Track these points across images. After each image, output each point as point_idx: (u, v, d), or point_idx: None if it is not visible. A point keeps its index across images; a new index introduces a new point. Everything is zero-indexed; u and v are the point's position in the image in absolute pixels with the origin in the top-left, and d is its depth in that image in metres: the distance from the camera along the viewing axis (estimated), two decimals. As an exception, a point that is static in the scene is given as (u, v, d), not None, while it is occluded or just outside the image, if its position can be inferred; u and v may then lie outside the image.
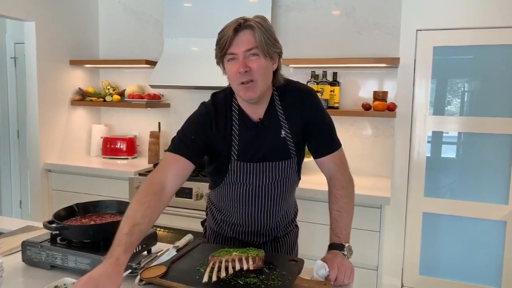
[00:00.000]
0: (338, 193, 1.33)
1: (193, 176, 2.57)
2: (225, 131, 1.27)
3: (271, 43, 1.17)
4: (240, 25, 1.14)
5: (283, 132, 1.27)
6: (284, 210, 1.41)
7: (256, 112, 1.27)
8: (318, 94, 2.62)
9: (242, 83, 1.16)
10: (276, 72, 1.25)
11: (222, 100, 1.30)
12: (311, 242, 2.16)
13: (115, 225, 1.26)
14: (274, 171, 1.29)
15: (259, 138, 1.27)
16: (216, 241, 1.46)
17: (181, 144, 1.25)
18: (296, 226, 1.56)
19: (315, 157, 1.36)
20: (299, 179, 1.42)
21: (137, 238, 1.07)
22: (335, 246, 1.24)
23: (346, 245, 1.25)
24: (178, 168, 1.22)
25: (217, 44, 1.19)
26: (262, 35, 1.14)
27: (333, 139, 1.34)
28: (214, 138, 1.27)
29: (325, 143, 1.32)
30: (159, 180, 1.18)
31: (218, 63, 1.23)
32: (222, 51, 1.17)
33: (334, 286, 1.15)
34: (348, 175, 1.37)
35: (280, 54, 1.24)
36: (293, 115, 1.28)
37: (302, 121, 1.29)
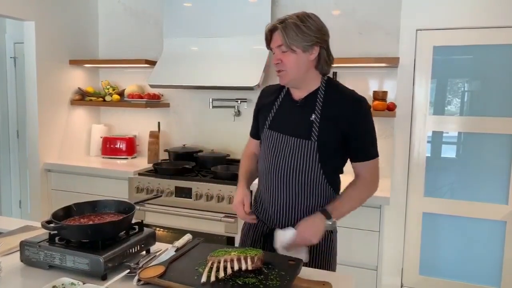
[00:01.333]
0: (356, 184, 1.44)
1: (193, 176, 2.57)
2: (270, 104, 1.51)
3: (299, 38, 1.33)
4: (273, 26, 1.39)
5: (313, 116, 1.38)
6: (306, 203, 1.41)
7: (298, 94, 1.45)
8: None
9: (278, 71, 1.40)
10: (320, 60, 1.39)
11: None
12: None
13: (113, 225, 1.26)
14: (293, 147, 1.40)
15: (292, 114, 1.44)
16: (250, 230, 1.55)
17: (251, 127, 1.65)
18: (331, 231, 1.49)
19: (351, 161, 1.46)
20: (327, 181, 1.42)
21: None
22: (321, 210, 1.36)
23: (332, 217, 1.35)
24: (254, 145, 1.64)
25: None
26: (286, 33, 1.33)
27: (369, 149, 1.43)
28: (262, 109, 1.54)
29: (361, 150, 1.42)
30: (249, 152, 1.66)
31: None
32: (268, 47, 1.44)
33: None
34: (375, 183, 1.47)
35: (319, 43, 1.37)
36: (333, 111, 1.38)
37: (341, 122, 1.37)
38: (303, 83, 1.42)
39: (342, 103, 1.39)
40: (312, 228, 1.32)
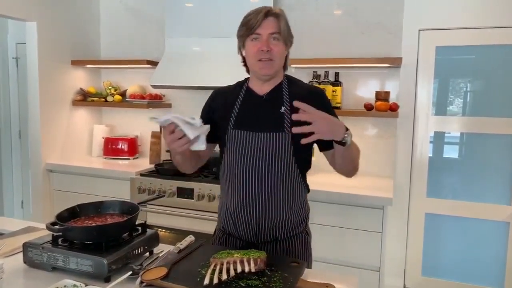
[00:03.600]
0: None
1: (195, 177, 2.57)
2: (228, 103, 1.44)
3: (289, 32, 1.38)
4: (269, 11, 1.34)
5: (283, 108, 1.37)
6: (281, 204, 1.36)
7: (262, 89, 1.42)
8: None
9: (260, 60, 1.34)
10: (286, 58, 1.43)
11: (237, 83, 1.52)
12: (312, 242, 2.15)
13: (118, 226, 1.26)
14: (266, 142, 1.35)
15: (258, 110, 1.40)
16: (220, 241, 1.48)
17: None
18: (307, 233, 1.48)
19: (320, 150, 1.43)
20: (303, 182, 1.42)
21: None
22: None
23: (349, 133, 1.22)
24: None
25: (244, 25, 1.38)
26: (284, 24, 1.35)
27: None
28: (219, 111, 1.45)
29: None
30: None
31: (240, 42, 1.43)
32: (250, 31, 1.35)
33: None
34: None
35: (291, 43, 1.42)
36: (300, 101, 1.30)
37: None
38: (275, 76, 1.41)
39: (306, 95, 1.36)
40: (330, 121, 1.19)
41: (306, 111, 1.16)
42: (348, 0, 2.73)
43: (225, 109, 1.43)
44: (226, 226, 1.46)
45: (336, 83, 2.67)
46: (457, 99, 2.62)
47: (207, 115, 1.46)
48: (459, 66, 2.59)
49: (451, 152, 2.65)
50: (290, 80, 1.46)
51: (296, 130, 1.15)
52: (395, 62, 2.50)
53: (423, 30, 2.55)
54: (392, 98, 2.63)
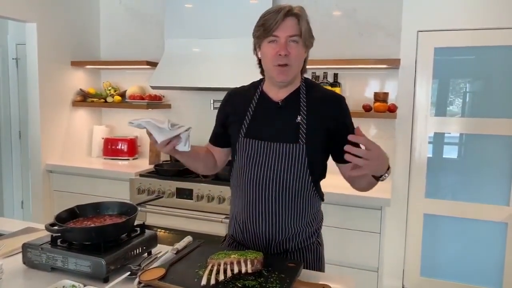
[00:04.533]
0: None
1: (193, 177, 2.58)
2: (241, 108, 1.36)
3: (310, 34, 1.28)
4: (289, 11, 1.23)
5: (299, 118, 1.28)
6: (292, 218, 1.30)
7: (278, 95, 1.33)
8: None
9: (279, 65, 1.24)
10: (305, 61, 1.32)
11: (252, 84, 1.42)
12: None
13: (117, 227, 1.27)
14: (278, 153, 1.27)
15: (273, 118, 1.31)
16: (231, 246, 1.43)
17: (212, 133, 1.51)
18: (319, 243, 1.40)
19: (334, 160, 1.35)
20: (317, 193, 1.34)
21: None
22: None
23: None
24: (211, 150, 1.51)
25: (261, 25, 1.26)
26: (306, 25, 1.25)
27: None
28: (232, 116, 1.39)
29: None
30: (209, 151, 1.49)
31: (256, 43, 1.32)
32: (268, 33, 1.24)
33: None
34: None
35: (312, 45, 1.31)
36: (317, 112, 1.29)
37: (328, 121, 1.29)
38: (292, 82, 1.32)
39: (325, 102, 1.31)
40: (383, 156, 1.10)
41: (366, 145, 1.06)
42: (347, 1, 2.74)
43: (238, 114, 1.36)
44: (235, 234, 1.41)
45: (335, 84, 2.67)
46: (456, 100, 2.63)
47: (220, 121, 1.43)
48: (457, 67, 2.60)
49: (449, 153, 2.66)
50: (309, 84, 1.35)
51: (348, 158, 1.05)
52: (393, 63, 2.51)
53: (422, 31, 2.56)
54: (391, 99, 2.63)
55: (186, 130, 1.21)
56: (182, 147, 1.24)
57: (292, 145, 1.27)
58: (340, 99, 1.34)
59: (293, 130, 1.28)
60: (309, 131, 1.27)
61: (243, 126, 1.33)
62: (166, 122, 1.19)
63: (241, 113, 1.35)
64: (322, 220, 1.45)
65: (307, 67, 1.38)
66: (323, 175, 1.39)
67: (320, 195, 1.37)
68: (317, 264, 1.38)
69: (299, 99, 1.31)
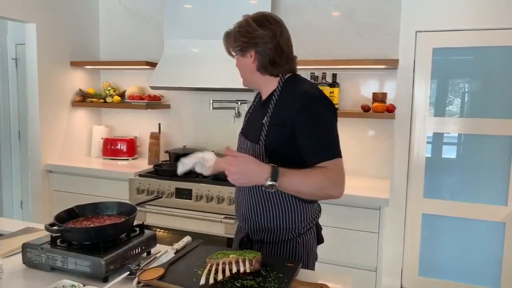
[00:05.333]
0: (318, 168, 1.23)
1: (193, 178, 2.58)
2: (250, 109, 1.54)
3: (232, 43, 1.37)
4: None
5: (265, 119, 1.34)
6: (267, 211, 1.34)
7: (263, 97, 1.44)
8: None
9: None
10: (259, 62, 1.35)
11: None
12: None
13: (116, 227, 1.28)
14: (249, 152, 1.36)
15: (255, 117, 1.44)
16: (237, 233, 1.56)
17: None
18: (296, 241, 1.37)
19: (309, 165, 1.26)
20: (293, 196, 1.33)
21: None
22: (274, 169, 1.17)
23: (278, 182, 1.16)
24: None
25: None
26: (227, 41, 1.40)
27: (324, 149, 1.24)
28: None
29: (315, 151, 1.24)
30: None
31: None
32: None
33: None
34: (339, 182, 1.22)
35: (252, 47, 1.34)
36: (283, 109, 1.31)
37: (289, 123, 1.27)
38: (260, 86, 1.41)
39: (292, 102, 1.28)
40: (244, 166, 1.17)
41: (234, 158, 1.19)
42: (345, 2, 2.75)
43: (248, 112, 1.55)
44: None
45: (334, 84, 2.68)
46: (454, 100, 2.63)
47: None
48: (455, 68, 2.60)
49: (448, 153, 2.67)
50: (288, 84, 1.36)
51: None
52: (392, 64, 2.51)
53: (420, 31, 2.56)
54: (390, 99, 2.64)
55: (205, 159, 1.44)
56: (202, 170, 1.47)
57: (255, 146, 1.34)
58: (305, 96, 1.28)
59: (258, 130, 1.34)
60: (269, 132, 1.31)
61: (244, 121, 1.52)
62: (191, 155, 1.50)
63: (248, 111, 1.55)
64: (313, 220, 1.42)
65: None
66: None
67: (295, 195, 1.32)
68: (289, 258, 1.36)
69: (271, 100, 1.36)
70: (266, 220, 1.36)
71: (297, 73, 1.42)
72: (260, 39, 1.31)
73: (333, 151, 1.24)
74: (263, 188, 1.27)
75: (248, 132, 1.42)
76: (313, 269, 1.41)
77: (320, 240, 1.47)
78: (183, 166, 1.48)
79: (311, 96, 1.28)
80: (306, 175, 1.21)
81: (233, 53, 1.40)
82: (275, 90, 1.37)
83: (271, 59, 1.33)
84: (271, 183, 1.15)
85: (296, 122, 1.25)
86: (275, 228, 1.36)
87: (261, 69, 1.36)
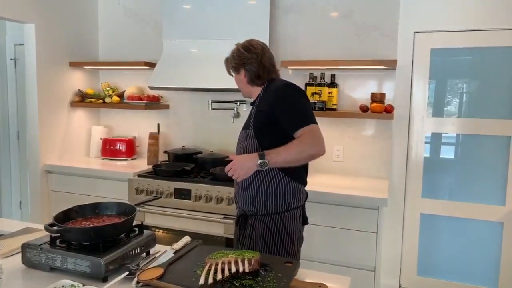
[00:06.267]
0: (295, 139, 1.57)
1: (192, 178, 2.59)
2: None
3: (230, 66, 1.82)
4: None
5: (253, 110, 1.75)
6: (258, 187, 1.67)
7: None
8: (316, 96, 2.65)
9: None
10: (249, 77, 1.76)
11: None
12: (309, 243, 2.17)
13: (115, 227, 1.28)
14: (243, 138, 1.74)
15: (250, 113, 1.79)
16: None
17: None
18: (284, 215, 1.67)
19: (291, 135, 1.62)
20: (283, 175, 1.67)
21: None
22: (260, 152, 1.54)
23: (266, 158, 1.51)
24: None
25: None
26: (226, 66, 1.86)
27: (298, 119, 1.58)
28: None
29: (292, 123, 1.59)
30: None
31: None
32: None
33: None
34: (317, 142, 1.55)
35: (242, 66, 1.76)
36: (264, 101, 1.71)
37: (268, 107, 1.65)
38: (252, 94, 1.81)
39: (269, 93, 1.71)
40: (238, 162, 1.56)
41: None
42: (344, 3, 2.75)
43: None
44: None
45: (332, 85, 2.69)
46: (452, 101, 2.64)
47: None
48: (454, 68, 2.61)
49: (446, 153, 2.67)
50: (269, 85, 1.76)
51: (225, 169, 1.60)
52: (390, 64, 2.52)
53: (418, 32, 2.57)
54: (388, 100, 2.65)
55: None
56: None
57: (247, 131, 1.71)
58: (279, 87, 1.69)
59: (248, 120, 1.74)
60: (256, 118, 1.70)
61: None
62: None
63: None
64: (299, 200, 1.72)
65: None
66: None
67: (283, 170, 1.65)
68: (279, 232, 1.66)
69: (258, 98, 1.76)
70: (260, 194, 1.67)
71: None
72: (247, 59, 1.74)
73: (305, 119, 1.58)
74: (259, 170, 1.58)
75: (243, 126, 1.78)
76: (299, 246, 1.74)
77: (305, 220, 1.79)
78: None
79: (280, 85, 1.71)
80: (286, 147, 1.54)
81: (231, 72, 1.84)
82: (261, 91, 1.78)
83: (256, 73, 1.75)
84: (261, 161, 1.51)
85: (274, 106, 1.63)
86: (267, 202, 1.67)
87: (250, 82, 1.77)
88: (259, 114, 1.69)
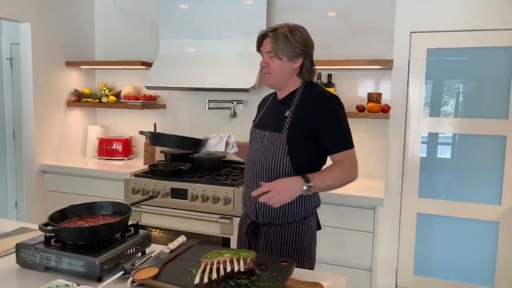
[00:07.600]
0: (335, 165, 1.50)
1: (189, 177, 2.58)
2: (262, 106, 1.75)
3: (286, 48, 1.50)
4: (264, 34, 1.55)
5: (287, 112, 1.54)
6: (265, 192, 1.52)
7: (281, 95, 1.63)
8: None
9: (264, 73, 1.58)
10: (302, 68, 1.56)
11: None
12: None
13: (110, 227, 1.28)
14: (267, 140, 1.56)
15: (273, 112, 1.63)
16: (241, 222, 1.73)
17: None
18: (302, 223, 1.57)
19: (328, 155, 1.56)
20: (296, 175, 1.49)
21: None
22: (303, 176, 1.42)
23: (312, 183, 1.40)
24: None
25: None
26: (276, 42, 1.50)
27: (341, 141, 1.51)
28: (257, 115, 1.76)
29: (333, 143, 1.51)
30: None
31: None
32: (257, 50, 1.60)
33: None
34: (353, 170, 1.50)
35: (303, 55, 1.53)
36: (305, 108, 1.52)
37: (311, 118, 1.50)
38: (285, 86, 1.59)
39: (314, 101, 1.53)
40: (286, 189, 1.38)
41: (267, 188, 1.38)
42: (341, 3, 2.76)
43: (259, 111, 1.75)
44: (244, 207, 1.70)
45: (329, 84, 2.69)
46: (449, 100, 2.65)
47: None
48: (450, 68, 2.62)
49: (442, 153, 2.68)
50: (308, 86, 1.59)
51: (254, 194, 1.40)
52: (386, 64, 2.53)
53: (415, 32, 2.58)
54: (385, 100, 2.65)
55: (229, 137, 1.68)
56: (230, 149, 1.69)
57: (276, 134, 1.53)
58: (326, 99, 1.54)
59: (280, 122, 1.54)
60: (293, 123, 1.51)
61: (256, 118, 1.70)
62: (210, 136, 1.75)
63: (260, 110, 1.74)
64: (314, 208, 1.63)
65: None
66: (310, 166, 1.53)
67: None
68: (296, 241, 1.56)
69: (293, 99, 1.56)
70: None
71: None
72: (312, 48, 1.57)
73: (348, 143, 1.51)
74: (278, 174, 1.51)
75: (266, 124, 1.60)
76: (314, 251, 1.64)
77: (318, 226, 1.69)
78: (213, 147, 1.69)
79: (331, 98, 1.55)
80: (330, 173, 1.46)
81: (280, 56, 1.51)
82: (296, 90, 1.58)
83: (311, 66, 1.58)
84: (306, 186, 1.38)
85: (321, 118, 1.49)
86: (284, 211, 1.54)
87: (300, 74, 1.57)
88: (298, 120, 1.51)
